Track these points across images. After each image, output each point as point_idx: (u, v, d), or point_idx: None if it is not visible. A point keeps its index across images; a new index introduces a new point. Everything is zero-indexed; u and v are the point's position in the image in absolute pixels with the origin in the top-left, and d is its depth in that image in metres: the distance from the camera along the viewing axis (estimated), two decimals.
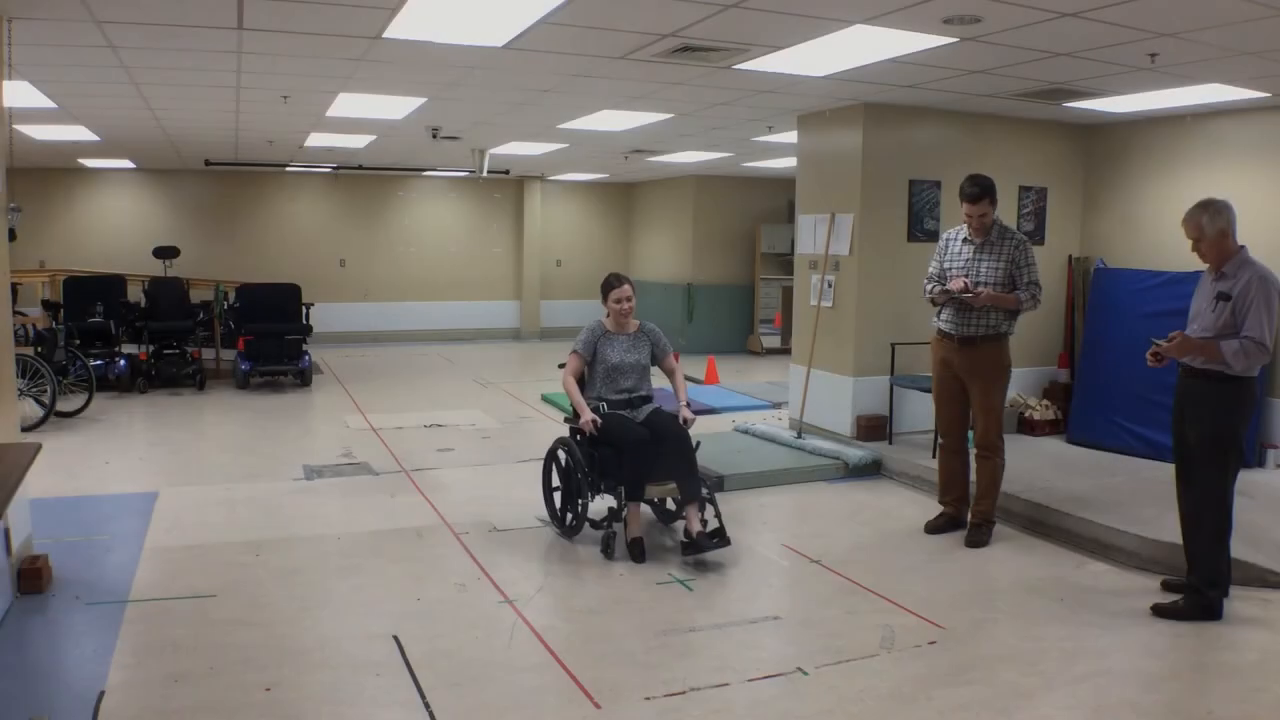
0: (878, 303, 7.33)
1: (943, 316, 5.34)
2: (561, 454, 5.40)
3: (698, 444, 5.13)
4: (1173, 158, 7.25)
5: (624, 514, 5.00)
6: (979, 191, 5.11)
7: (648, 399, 5.34)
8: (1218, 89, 6.03)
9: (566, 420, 5.40)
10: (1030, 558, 5.08)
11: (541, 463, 5.62)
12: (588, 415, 5.04)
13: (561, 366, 5.37)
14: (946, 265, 5.34)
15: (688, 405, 5.26)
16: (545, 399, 9.84)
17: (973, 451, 5.43)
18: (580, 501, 5.12)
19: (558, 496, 5.47)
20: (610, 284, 5.35)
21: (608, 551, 4.91)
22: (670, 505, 5.44)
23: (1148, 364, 4.26)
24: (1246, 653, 3.87)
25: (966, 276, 5.16)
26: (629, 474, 4.94)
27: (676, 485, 5.04)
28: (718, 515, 4.99)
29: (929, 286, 5.39)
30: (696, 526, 4.87)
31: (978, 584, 4.73)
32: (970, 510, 5.38)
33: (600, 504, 5.18)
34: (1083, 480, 6.11)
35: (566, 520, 5.33)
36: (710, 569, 4.80)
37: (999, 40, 5.03)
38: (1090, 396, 7.23)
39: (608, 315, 5.36)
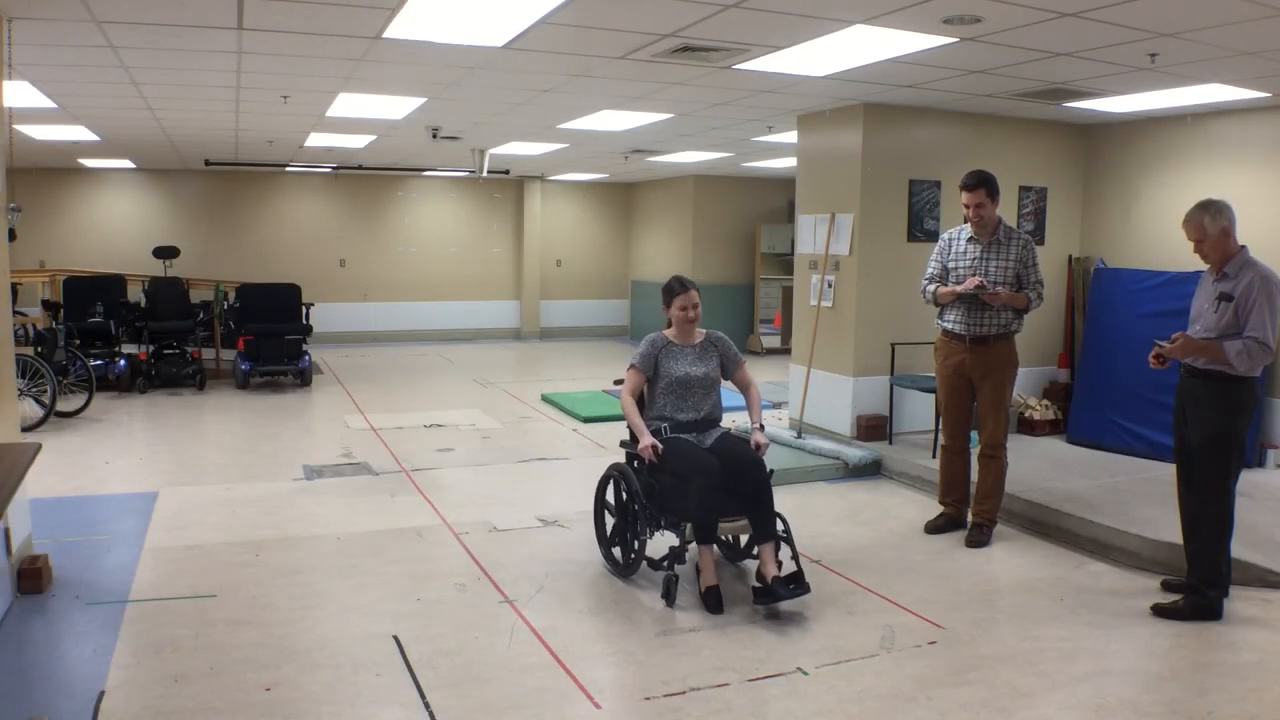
0: (878, 303, 7.34)
1: (950, 317, 5.29)
2: (616, 482, 4.80)
3: (771, 472, 4.50)
4: (1173, 158, 7.26)
5: (687, 552, 4.39)
6: (975, 181, 5.11)
7: (716, 422, 4.74)
8: (1218, 89, 6.03)
9: (623, 444, 4.88)
10: (1030, 558, 5.08)
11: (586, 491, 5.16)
12: (647, 440, 4.43)
13: (619, 383, 4.82)
14: (950, 265, 5.30)
15: (761, 428, 4.65)
16: (545, 399, 9.85)
17: (974, 451, 5.42)
18: (637, 538, 4.55)
19: (610, 527, 4.86)
20: (673, 289, 4.70)
21: (669, 598, 4.30)
22: (736, 541, 4.80)
23: (1150, 366, 4.26)
24: (1246, 653, 3.88)
25: (981, 276, 5.12)
26: (697, 513, 4.26)
27: (749, 522, 4.41)
28: (795, 557, 4.36)
29: (930, 288, 5.36)
30: (772, 570, 4.23)
31: (978, 584, 4.73)
32: (972, 510, 5.38)
33: (660, 541, 4.61)
34: (1083, 480, 6.11)
35: (621, 557, 4.74)
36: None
37: (999, 40, 5.03)
38: (1090, 396, 7.23)
39: (669, 325, 4.77)
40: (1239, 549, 4.47)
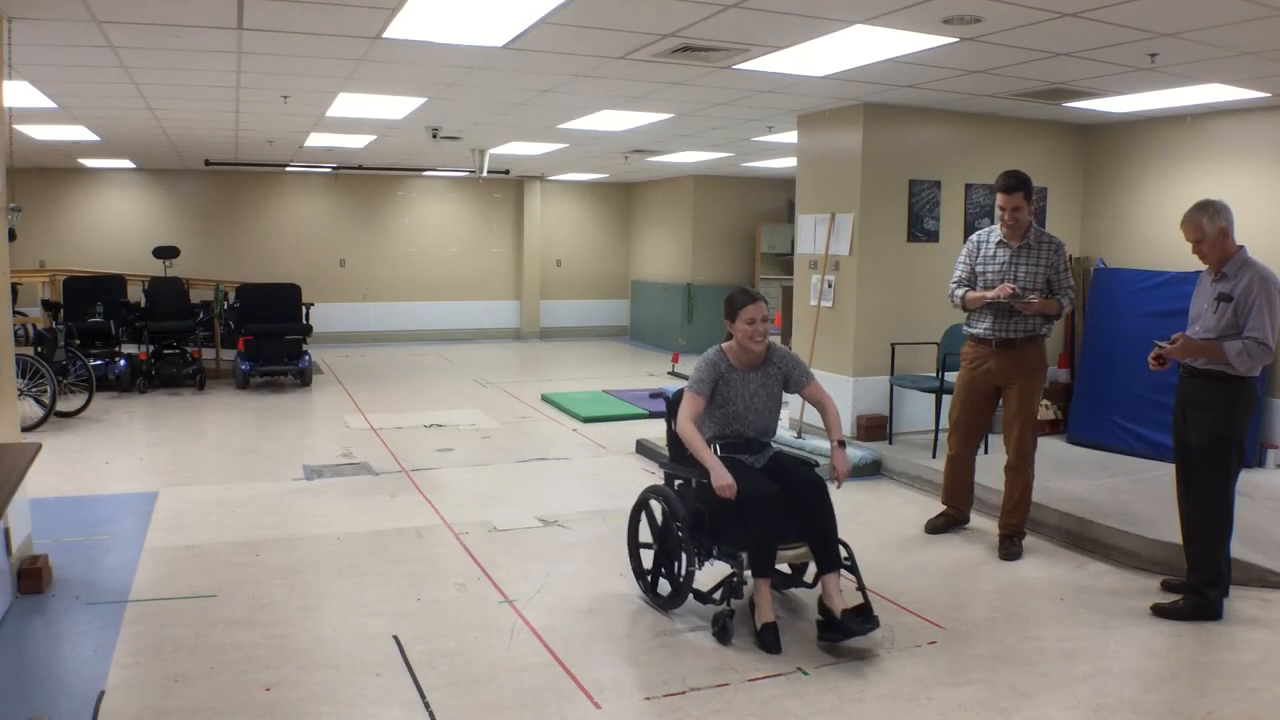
0: (878, 303, 7.34)
1: (978, 323, 5.14)
2: (655, 506, 4.37)
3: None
4: (1173, 158, 7.26)
5: (746, 586, 4.03)
6: (1014, 183, 4.95)
7: (768, 442, 4.31)
8: (1218, 89, 6.04)
9: (663, 466, 4.47)
10: (1030, 558, 5.08)
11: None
12: (726, 478, 3.84)
13: (654, 396, 4.37)
14: (979, 269, 5.16)
15: (842, 445, 4.11)
16: (545, 399, 9.84)
17: (977, 457, 5.39)
18: (684, 569, 4.10)
19: (649, 557, 4.39)
20: (738, 300, 4.14)
21: (722, 635, 3.89)
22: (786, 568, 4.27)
23: (1150, 367, 4.26)
24: (1246, 653, 3.88)
25: (1011, 282, 4.97)
26: (755, 542, 3.88)
27: (809, 549, 4.00)
28: (861, 587, 3.96)
29: (959, 292, 5.19)
30: (839, 603, 3.84)
31: (978, 584, 4.73)
32: (1000, 523, 5.21)
33: (707, 571, 4.19)
34: (1083, 480, 6.11)
35: (661, 588, 4.29)
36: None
37: (999, 40, 5.03)
38: (1090, 396, 7.23)
39: (729, 341, 4.22)
40: (1239, 549, 4.47)
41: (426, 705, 3.36)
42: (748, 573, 3.95)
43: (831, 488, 4.08)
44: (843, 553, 4.00)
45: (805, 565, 4.22)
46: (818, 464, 4.18)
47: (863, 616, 3.83)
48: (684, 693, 3.47)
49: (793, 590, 4.40)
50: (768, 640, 3.82)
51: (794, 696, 3.46)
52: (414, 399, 10.02)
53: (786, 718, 3.31)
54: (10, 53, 4.76)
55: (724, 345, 4.25)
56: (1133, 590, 4.57)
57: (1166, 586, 4.50)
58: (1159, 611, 4.23)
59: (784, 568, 4.23)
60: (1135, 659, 3.87)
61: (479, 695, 3.45)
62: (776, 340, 4.38)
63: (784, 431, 7.69)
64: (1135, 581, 4.70)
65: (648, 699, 3.44)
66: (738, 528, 3.93)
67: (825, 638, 3.87)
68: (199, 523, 5.51)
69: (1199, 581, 4.21)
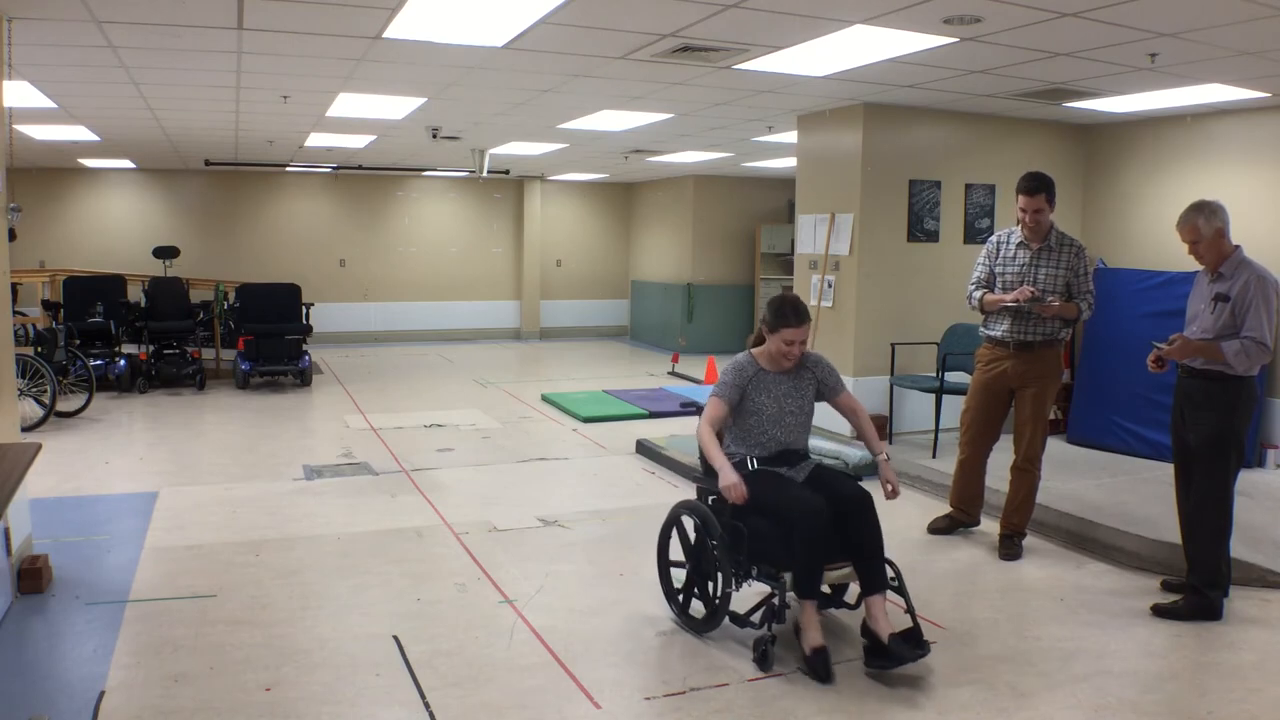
0: (878, 303, 7.34)
1: (995, 325, 5.07)
2: (688, 522, 4.11)
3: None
4: (1173, 158, 7.26)
5: (788, 610, 3.76)
6: (1036, 184, 4.84)
7: (805, 454, 4.05)
8: (1218, 89, 6.04)
9: (696, 480, 4.27)
10: (1030, 558, 5.08)
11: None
12: (732, 477, 3.63)
13: (685, 405, 4.25)
14: (998, 270, 5.09)
15: (886, 459, 3.94)
16: (545, 399, 9.85)
17: (958, 458, 5.37)
18: (721, 590, 3.84)
19: (681, 576, 4.13)
20: (785, 315, 3.85)
21: (763, 662, 3.65)
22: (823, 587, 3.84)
23: (1149, 369, 4.26)
24: (1246, 653, 3.88)
25: (1030, 285, 4.89)
26: (805, 561, 3.63)
27: (854, 569, 3.76)
28: (910, 610, 3.70)
29: (976, 294, 5.13)
30: (885, 627, 3.58)
31: (978, 584, 4.73)
32: (1002, 523, 5.18)
33: (746, 591, 3.97)
34: (1083, 480, 6.12)
35: (695, 610, 4.05)
36: None
37: (999, 40, 5.03)
38: (1090, 396, 7.23)
39: (758, 342, 4.05)
40: (1239, 549, 4.47)
41: (426, 705, 3.36)
42: (790, 595, 3.73)
43: (878, 499, 3.87)
44: (888, 572, 3.76)
45: (846, 585, 3.99)
46: (860, 477, 4.02)
47: (913, 642, 3.56)
48: (684, 693, 3.47)
49: (832, 610, 4.09)
50: (818, 667, 3.54)
51: (794, 696, 3.46)
52: (414, 399, 10.02)
53: (786, 718, 3.32)
54: (10, 53, 4.76)
55: (753, 350, 4.05)
56: (1133, 590, 4.57)
57: (1166, 586, 4.51)
58: (1159, 611, 4.24)
59: (824, 588, 3.85)
60: (1135, 659, 3.87)
61: (479, 695, 3.45)
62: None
63: None
64: (1135, 581, 4.70)
65: (648, 699, 3.44)
66: (779, 546, 3.66)
67: (873, 665, 3.59)
68: (199, 523, 5.51)
69: (1199, 581, 4.21)
